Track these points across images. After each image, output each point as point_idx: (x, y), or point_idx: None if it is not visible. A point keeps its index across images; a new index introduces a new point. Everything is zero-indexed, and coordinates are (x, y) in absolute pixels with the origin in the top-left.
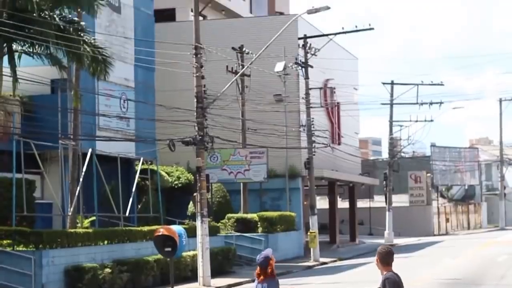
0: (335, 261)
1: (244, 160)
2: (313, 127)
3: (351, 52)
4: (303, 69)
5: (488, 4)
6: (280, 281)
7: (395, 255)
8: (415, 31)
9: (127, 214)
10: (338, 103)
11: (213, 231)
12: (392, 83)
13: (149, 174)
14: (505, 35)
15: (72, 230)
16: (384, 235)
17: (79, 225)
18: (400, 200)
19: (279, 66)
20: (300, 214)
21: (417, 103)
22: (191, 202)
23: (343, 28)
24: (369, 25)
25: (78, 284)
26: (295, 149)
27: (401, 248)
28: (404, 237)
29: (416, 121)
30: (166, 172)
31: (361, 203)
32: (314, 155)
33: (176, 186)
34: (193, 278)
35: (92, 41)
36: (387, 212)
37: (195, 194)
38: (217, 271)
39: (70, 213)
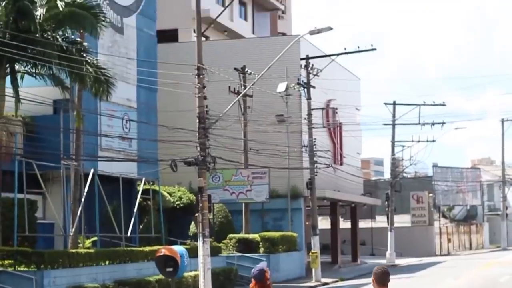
0: (336, 281)
1: (246, 180)
2: (315, 148)
3: (353, 73)
4: (305, 89)
5: (488, 25)
6: None
7: (397, 276)
8: (416, 51)
9: (128, 234)
10: (340, 123)
11: (214, 252)
12: (394, 104)
13: (151, 194)
14: (506, 56)
15: (74, 251)
16: (386, 255)
17: (80, 245)
18: (402, 220)
19: (281, 87)
20: (302, 235)
21: (419, 124)
22: (192, 223)
23: (345, 49)
24: (371, 45)
25: None
26: (297, 169)
27: (403, 269)
28: (406, 258)
29: (418, 141)
30: (168, 193)
31: (363, 224)
32: (316, 175)
33: (178, 206)
34: None
35: (95, 62)
36: (389, 232)
37: (196, 214)
38: None
39: (71, 233)
